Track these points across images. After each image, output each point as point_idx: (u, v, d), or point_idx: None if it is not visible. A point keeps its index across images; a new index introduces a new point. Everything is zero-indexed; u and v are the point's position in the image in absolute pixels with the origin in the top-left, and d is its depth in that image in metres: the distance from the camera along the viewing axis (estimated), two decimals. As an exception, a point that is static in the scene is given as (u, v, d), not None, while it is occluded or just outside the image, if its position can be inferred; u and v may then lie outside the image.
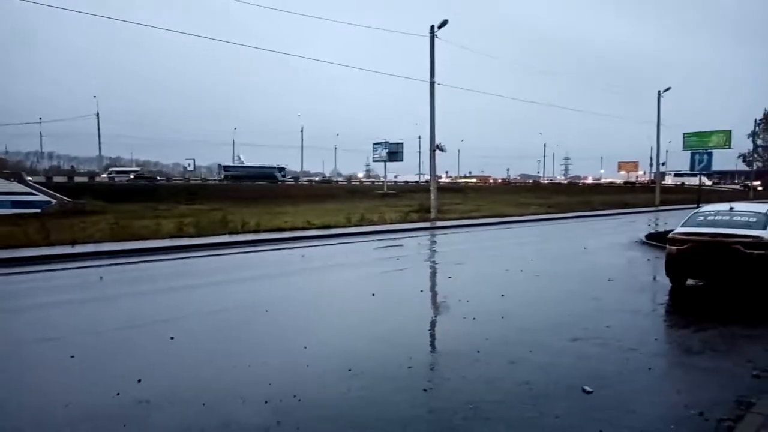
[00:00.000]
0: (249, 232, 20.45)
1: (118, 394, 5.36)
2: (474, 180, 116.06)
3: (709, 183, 79.29)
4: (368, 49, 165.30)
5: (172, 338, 7.30)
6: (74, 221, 23.40)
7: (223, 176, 78.51)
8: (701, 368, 6.27)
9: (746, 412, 4.73)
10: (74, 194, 41.11)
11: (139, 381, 5.68)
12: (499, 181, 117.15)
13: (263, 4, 25.34)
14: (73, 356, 6.70)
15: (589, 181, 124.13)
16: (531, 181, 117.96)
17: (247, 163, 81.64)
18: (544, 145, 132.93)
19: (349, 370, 5.97)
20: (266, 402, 5.11)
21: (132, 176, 70.89)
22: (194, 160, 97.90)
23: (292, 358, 6.50)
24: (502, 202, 44.88)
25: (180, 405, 5.22)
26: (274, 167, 79.33)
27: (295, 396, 5.24)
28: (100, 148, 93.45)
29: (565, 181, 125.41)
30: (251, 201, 40.90)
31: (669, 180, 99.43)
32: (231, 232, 20.05)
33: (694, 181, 62.22)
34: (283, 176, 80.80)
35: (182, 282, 12.04)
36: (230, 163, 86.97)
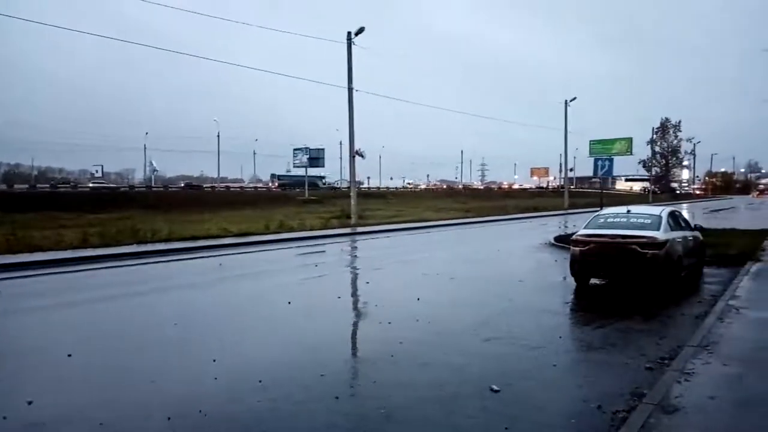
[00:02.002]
0: (160, 241, 19.60)
1: (4, 417, 4.94)
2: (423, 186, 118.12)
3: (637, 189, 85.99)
4: (288, 54, 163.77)
5: (69, 356, 6.84)
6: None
7: (277, 184, 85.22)
8: (601, 363, 6.60)
9: (639, 402, 5.02)
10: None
11: (30, 403, 5.27)
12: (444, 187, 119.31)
13: (177, 6, 24.48)
14: (-47, 381, 6.13)
15: (505, 185, 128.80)
16: (446, 186, 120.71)
17: (295, 173, 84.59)
18: (462, 151, 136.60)
19: (260, 381, 5.82)
20: (169, 419, 4.87)
21: None
22: (102, 166, 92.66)
23: (199, 372, 6.25)
24: (422, 208, 45.71)
25: (75, 426, 4.89)
26: (317, 176, 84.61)
27: (200, 411, 5.03)
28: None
29: (482, 187, 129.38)
30: (164, 209, 39.26)
31: (619, 185, 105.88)
32: (140, 242, 19.12)
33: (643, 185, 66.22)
34: (324, 184, 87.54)
35: (82, 296, 11.33)
36: (281, 173, 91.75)
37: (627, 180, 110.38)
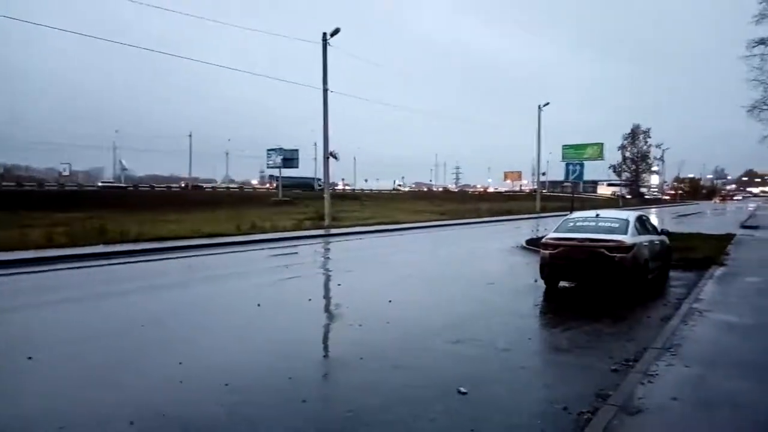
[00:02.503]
0: (129, 241, 19.23)
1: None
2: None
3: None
4: (263, 54, 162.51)
5: (29, 359, 6.65)
6: None
7: (275, 185, 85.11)
8: (568, 365, 6.68)
9: (603, 404, 5.09)
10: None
11: (-15, 409, 5.10)
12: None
13: (150, 3, 24.07)
14: None
15: (480, 189, 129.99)
16: (426, 188, 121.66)
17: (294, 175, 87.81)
18: (436, 154, 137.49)
19: (227, 384, 5.73)
20: (131, 423, 4.76)
21: None
22: (70, 164, 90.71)
23: (164, 375, 6.14)
24: (397, 210, 45.77)
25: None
26: (313, 178, 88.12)
27: (164, 415, 4.93)
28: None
29: (456, 190, 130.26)
30: (134, 209, 38.57)
31: (600, 190, 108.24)
32: (108, 242, 18.73)
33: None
34: (319, 186, 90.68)
35: (45, 297, 11.04)
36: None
37: (609, 185, 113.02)
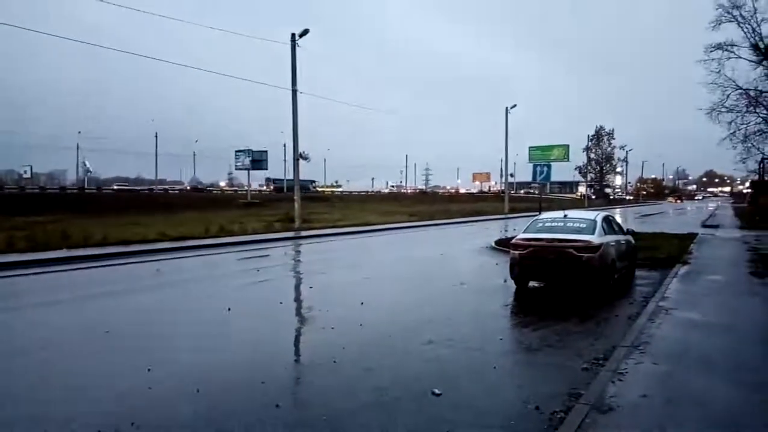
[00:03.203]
0: (93, 245, 18.76)
1: None
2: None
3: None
4: (231, 55, 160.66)
5: (-11, 368, 6.42)
6: None
7: (272, 188, 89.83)
8: (539, 364, 6.75)
9: (575, 403, 5.16)
10: None
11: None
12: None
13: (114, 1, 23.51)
14: None
15: (453, 190, 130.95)
16: (399, 190, 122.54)
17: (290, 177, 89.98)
18: (406, 155, 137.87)
19: (198, 390, 5.63)
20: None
21: None
22: (31, 166, 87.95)
23: (133, 382, 5.99)
24: (367, 211, 45.74)
25: (-7, 445, 4.57)
26: (308, 180, 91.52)
27: (132, 423, 4.80)
28: None
29: (427, 191, 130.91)
30: (99, 212, 37.66)
31: (582, 189, 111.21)
32: (71, 246, 18.23)
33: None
34: (314, 188, 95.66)
35: (4, 304, 10.69)
36: (276, 177, 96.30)
37: (607, 186, 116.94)
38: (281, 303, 10.57)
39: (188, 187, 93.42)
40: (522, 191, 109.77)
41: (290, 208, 32.96)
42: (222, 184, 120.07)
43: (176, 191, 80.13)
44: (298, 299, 11.66)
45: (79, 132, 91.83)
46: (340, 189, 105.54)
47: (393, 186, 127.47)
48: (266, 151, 64.65)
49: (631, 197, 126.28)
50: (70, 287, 12.59)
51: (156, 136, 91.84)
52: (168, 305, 10.68)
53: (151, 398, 5.52)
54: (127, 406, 5.31)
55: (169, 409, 5.24)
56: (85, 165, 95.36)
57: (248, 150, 62.01)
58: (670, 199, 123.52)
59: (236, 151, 64.46)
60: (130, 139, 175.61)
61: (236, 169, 70.72)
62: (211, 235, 23.39)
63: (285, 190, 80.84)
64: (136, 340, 7.96)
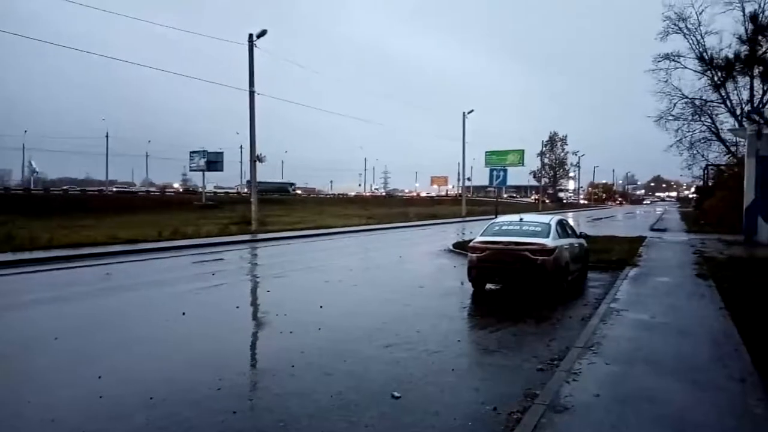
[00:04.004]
0: (40, 248, 18.04)
1: None
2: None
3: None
4: (186, 55, 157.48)
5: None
6: None
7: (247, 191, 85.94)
8: (496, 366, 6.84)
9: (531, 403, 5.24)
10: None
11: None
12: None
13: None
14: None
15: (414, 193, 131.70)
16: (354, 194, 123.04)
17: (266, 180, 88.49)
18: (365, 159, 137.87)
19: (151, 398, 5.47)
20: (45, 445, 4.44)
21: None
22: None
23: (83, 390, 5.77)
24: (326, 214, 45.53)
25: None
26: (287, 183, 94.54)
27: (81, 434, 4.63)
28: None
29: (385, 194, 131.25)
30: (46, 214, 36.20)
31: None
32: (16, 249, 17.47)
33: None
34: (293, 190, 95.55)
35: (-54, 310, 10.16)
36: (259, 180, 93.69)
37: (560, 191, 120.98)
38: (238, 307, 10.39)
39: (156, 189, 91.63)
40: (479, 195, 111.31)
41: (246, 210, 32.50)
42: (176, 185, 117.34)
43: (126, 192, 77.99)
44: (255, 303, 11.49)
45: (26, 131, 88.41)
46: (215, 191, 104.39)
47: (377, 189, 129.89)
48: (222, 153, 63.43)
49: (588, 201, 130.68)
50: (15, 292, 12.05)
51: (107, 136, 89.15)
52: (119, 310, 10.34)
53: (102, 407, 5.32)
54: (76, 416, 5.12)
55: (120, 419, 5.06)
56: (31, 165, 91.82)
57: (203, 151, 60.68)
58: (610, 203, 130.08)
59: (191, 152, 63.01)
60: (79, 138, 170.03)
61: (191, 170, 69.09)
62: (165, 237, 22.81)
63: (267, 192, 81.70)
64: (85, 347, 7.67)
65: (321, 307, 10.02)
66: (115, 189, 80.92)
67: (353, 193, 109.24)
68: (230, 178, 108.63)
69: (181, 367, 6.76)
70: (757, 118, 22.93)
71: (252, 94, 28.80)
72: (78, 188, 77.09)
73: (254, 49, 28.53)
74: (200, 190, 65.69)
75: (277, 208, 49.71)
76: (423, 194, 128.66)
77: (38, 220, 30.39)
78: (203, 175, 62.66)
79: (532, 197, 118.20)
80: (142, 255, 18.46)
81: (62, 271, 14.93)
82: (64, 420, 5.02)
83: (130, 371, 6.54)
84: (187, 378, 6.26)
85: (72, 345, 7.75)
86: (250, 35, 28.61)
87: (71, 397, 5.67)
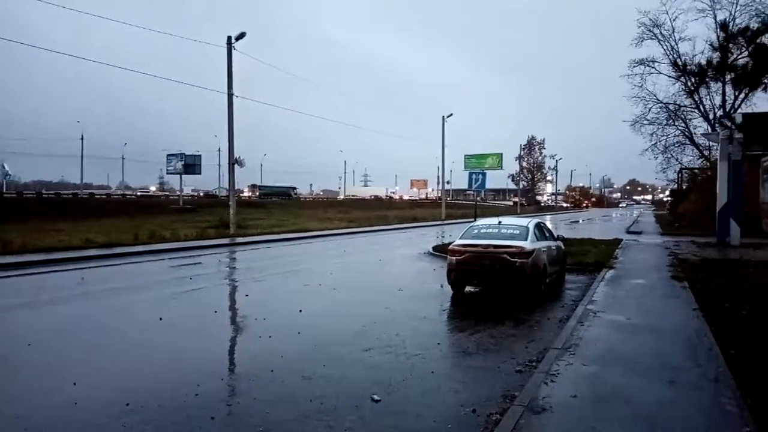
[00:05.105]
0: (12, 253, 17.66)
1: None
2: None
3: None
4: (163, 56, 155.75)
5: None
6: None
7: (258, 194, 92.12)
8: (476, 368, 6.87)
9: (510, 404, 5.28)
10: None
11: None
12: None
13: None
14: None
15: (396, 197, 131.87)
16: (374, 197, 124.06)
17: (271, 184, 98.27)
18: (345, 162, 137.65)
19: (127, 404, 5.38)
20: (17, 454, 4.35)
21: None
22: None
23: (58, 398, 5.66)
24: (305, 217, 45.33)
25: None
26: (289, 187, 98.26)
27: (55, 442, 4.54)
28: None
29: (373, 197, 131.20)
30: (19, 218, 35.41)
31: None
32: (-13, 254, 17.08)
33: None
34: (295, 194, 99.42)
35: None
36: (262, 184, 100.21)
37: (538, 194, 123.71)
38: (216, 312, 10.29)
39: (133, 193, 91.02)
40: (458, 198, 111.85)
41: (224, 213, 32.20)
42: (152, 188, 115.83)
43: (104, 196, 76.77)
44: (233, 308, 11.40)
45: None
46: (192, 194, 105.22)
47: (393, 192, 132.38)
48: (200, 155, 62.83)
49: (573, 205, 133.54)
50: (-15, 298, 11.77)
51: (82, 138, 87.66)
52: (94, 316, 10.17)
53: (78, 414, 5.23)
54: (51, 424, 5.03)
55: (96, 426, 4.97)
56: (3, 168, 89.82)
57: (181, 154, 60.03)
58: (586, 204, 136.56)
59: (168, 155, 62.26)
60: (53, 141, 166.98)
61: (168, 173, 68.37)
62: (142, 241, 22.50)
63: (269, 196, 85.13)
64: (60, 353, 7.54)
65: (300, 311, 9.98)
66: (78, 192, 79.71)
67: (371, 195, 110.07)
68: (209, 182, 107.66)
69: (158, 373, 6.66)
70: (728, 123, 23.45)
71: (230, 96, 28.59)
72: (52, 192, 75.74)
73: (233, 51, 28.35)
74: (178, 193, 64.94)
75: (256, 212, 49.39)
76: (407, 197, 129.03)
77: (11, 224, 29.73)
78: (181, 178, 61.98)
79: (511, 200, 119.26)
80: (118, 259, 18.18)
81: (35, 276, 14.63)
82: (38, 428, 4.92)
83: (106, 378, 6.43)
84: (164, 384, 6.18)
85: (46, 352, 7.60)
86: (229, 37, 28.42)
87: (45, 404, 5.55)
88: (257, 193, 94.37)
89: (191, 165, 60.54)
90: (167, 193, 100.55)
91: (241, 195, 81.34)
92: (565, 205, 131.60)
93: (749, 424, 4.73)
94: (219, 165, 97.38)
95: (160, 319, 9.33)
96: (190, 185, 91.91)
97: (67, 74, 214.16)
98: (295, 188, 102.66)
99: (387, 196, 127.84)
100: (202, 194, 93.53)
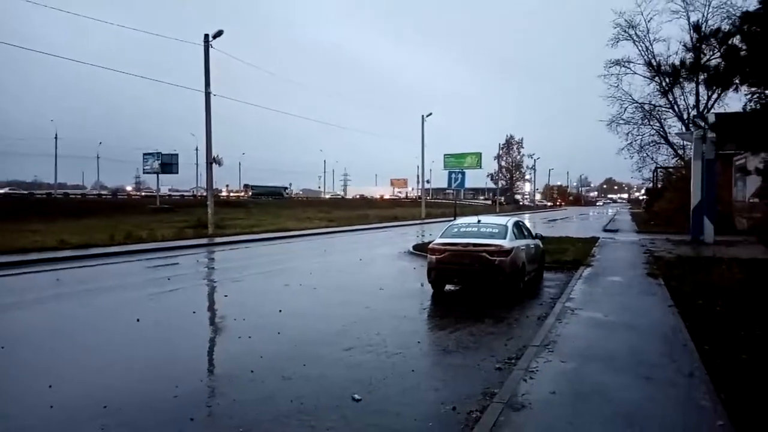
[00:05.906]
0: (-17, 254, 17.25)
1: None
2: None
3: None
4: (139, 54, 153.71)
5: None
6: None
7: (251, 193, 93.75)
8: (456, 366, 6.91)
9: (490, 402, 5.33)
10: None
11: None
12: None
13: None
14: None
15: (377, 196, 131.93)
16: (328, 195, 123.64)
17: (264, 184, 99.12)
18: (324, 161, 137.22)
19: (105, 406, 5.31)
20: (-10, 459, 4.26)
21: None
22: None
23: (33, 401, 5.56)
24: (285, 217, 45.07)
25: None
26: (281, 186, 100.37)
27: (30, 447, 4.46)
28: None
29: (349, 196, 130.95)
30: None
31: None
32: (-43, 256, 16.67)
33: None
34: (287, 194, 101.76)
35: None
36: (255, 184, 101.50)
37: (517, 193, 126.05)
38: (194, 312, 10.19)
39: (108, 192, 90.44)
40: (438, 197, 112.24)
41: (202, 213, 31.89)
42: (129, 188, 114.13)
43: (79, 196, 75.46)
44: (212, 308, 11.29)
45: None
46: (340, 194, 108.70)
47: (399, 192, 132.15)
48: (177, 155, 61.98)
49: (553, 204, 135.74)
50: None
51: (56, 137, 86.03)
52: (70, 318, 10.00)
53: (54, 417, 5.14)
54: (27, 427, 4.92)
55: (74, 428, 4.90)
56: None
57: (157, 153, 59.19)
58: (561, 203, 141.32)
59: (144, 154, 61.36)
60: (26, 140, 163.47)
61: (144, 172, 67.24)
62: (118, 242, 22.16)
63: (261, 196, 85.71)
64: (35, 356, 7.40)
65: (280, 311, 9.93)
66: (52, 192, 78.22)
67: (377, 196, 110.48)
68: (186, 181, 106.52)
69: (135, 374, 6.58)
70: (702, 122, 23.90)
71: (208, 95, 28.30)
72: (25, 191, 74.18)
73: (210, 49, 28.08)
74: (154, 193, 64.11)
75: (234, 211, 48.99)
76: (388, 196, 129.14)
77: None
78: (158, 177, 61.14)
79: (490, 199, 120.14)
80: (93, 260, 17.88)
81: (8, 278, 14.32)
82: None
83: (83, 380, 6.33)
84: (142, 386, 6.11)
85: (19, 354, 7.46)
86: (206, 35, 28.15)
87: (22, 408, 5.44)
88: (250, 193, 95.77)
89: (168, 164, 59.73)
90: (143, 192, 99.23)
91: (219, 195, 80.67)
92: (547, 204, 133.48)
93: (722, 418, 4.83)
94: (197, 164, 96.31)
95: (138, 320, 9.20)
96: (167, 185, 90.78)
97: (38, 71, 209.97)
98: (286, 188, 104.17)
99: (393, 195, 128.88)
100: (190, 194, 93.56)
